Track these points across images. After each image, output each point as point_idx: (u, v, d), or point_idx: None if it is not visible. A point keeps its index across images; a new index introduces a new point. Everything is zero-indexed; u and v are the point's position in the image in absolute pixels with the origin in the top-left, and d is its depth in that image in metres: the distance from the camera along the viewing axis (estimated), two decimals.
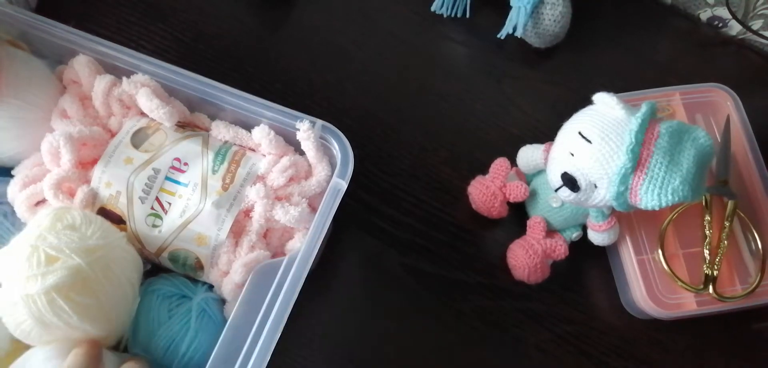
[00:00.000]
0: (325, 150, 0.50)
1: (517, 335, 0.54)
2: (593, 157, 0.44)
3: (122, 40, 0.61)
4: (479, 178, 0.55)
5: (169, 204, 0.47)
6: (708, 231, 0.53)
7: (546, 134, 0.51)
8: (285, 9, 0.66)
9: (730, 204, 0.53)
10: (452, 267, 0.56)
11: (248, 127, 0.51)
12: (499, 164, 0.55)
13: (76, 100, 0.50)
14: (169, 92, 0.51)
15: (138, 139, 0.49)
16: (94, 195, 0.47)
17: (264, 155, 0.50)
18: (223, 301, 0.48)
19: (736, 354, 0.54)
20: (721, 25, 0.66)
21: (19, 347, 0.43)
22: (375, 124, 0.61)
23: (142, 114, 0.50)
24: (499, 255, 0.55)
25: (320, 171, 0.49)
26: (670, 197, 0.42)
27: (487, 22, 0.64)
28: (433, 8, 0.65)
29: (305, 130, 0.48)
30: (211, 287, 0.48)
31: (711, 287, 0.51)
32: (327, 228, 0.46)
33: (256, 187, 0.47)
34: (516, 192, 0.53)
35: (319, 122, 0.49)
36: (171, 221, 0.46)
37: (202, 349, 0.45)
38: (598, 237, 0.52)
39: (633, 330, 0.54)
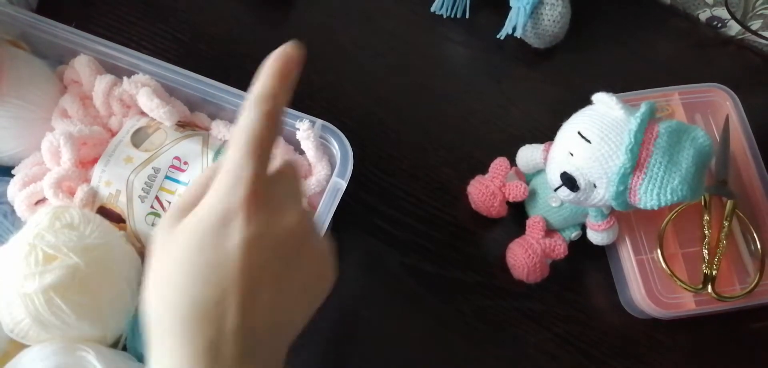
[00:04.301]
0: (324, 149, 0.50)
1: (516, 334, 0.54)
2: (592, 156, 0.44)
3: (123, 40, 0.61)
4: (479, 178, 0.55)
5: (169, 203, 0.47)
6: (707, 231, 0.53)
7: (545, 134, 0.51)
8: (285, 9, 0.66)
9: (729, 204, 0.53)
10: (452, 266, 0.56)
11: None
12: (499, 164, 0.55)
13: (76, 100, 0.51)
14: (169, 92, 0.51)
15: (138, 138, 0.49)
16: (93, 194, 0.47)
17: None
18: None
19: (735, 354, 0.54)
20: (720, 25, 0.66)
21: (16, 347, 0.43)
22: (375, 124, 0.61)
23: (143, 113, 0.50)
24: (498, 254, 0.55)
25: (320, 170, 0.49)
26: (669, 197, 0.42)
27: (487, 23, 0.64)
28: (432, 9, 0.65)
29: (305, 129, 0.48)
30: None
31: (710, 287, 0.51)
32: (326, 228, 0.46)
33: None
34: (515, 191, 0.53)
35: (319, 122, 0.49)
36: None
37: None
38: (597, 236, 0.52)
39: (632, 330, 0.54)
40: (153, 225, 0.46)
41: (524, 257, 0.52)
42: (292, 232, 0.29)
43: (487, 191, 0.53)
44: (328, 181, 0.48)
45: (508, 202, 0.54)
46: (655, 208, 0.43)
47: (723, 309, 0.52)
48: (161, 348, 0.27)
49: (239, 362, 0.26)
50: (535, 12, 0.59)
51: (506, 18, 0.60)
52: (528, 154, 0.54)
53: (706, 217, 0.53)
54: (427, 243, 0.56)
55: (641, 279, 0.51)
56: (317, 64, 0.63)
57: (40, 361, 0.40)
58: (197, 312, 0.26)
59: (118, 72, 0.51)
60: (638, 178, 0.43)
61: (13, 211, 0.48)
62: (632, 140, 0.42)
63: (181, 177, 0.48)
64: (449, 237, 0.57)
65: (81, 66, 0.51)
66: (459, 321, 0.54)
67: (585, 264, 0.56)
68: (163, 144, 0.48)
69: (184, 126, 0.51)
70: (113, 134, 0.50)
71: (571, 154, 0.45)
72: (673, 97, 0.58)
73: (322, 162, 0.49)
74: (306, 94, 0.61)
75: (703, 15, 0.66)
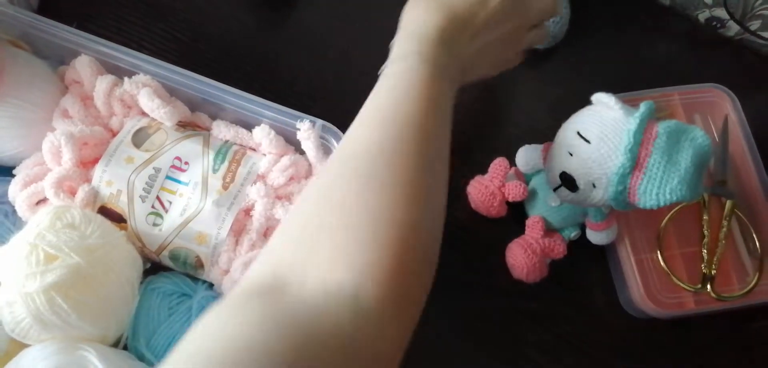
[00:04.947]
0: (325, 149, 0.50)
1: (515, 334, 0.54)
2: (592, 156, 0.44)
3: (123, 40, 0.61)
4: (478, 178, 0.55)
5: (170, 202, 0.47)
6: (706, 231, 0.53)
7: (545, 134, 0.52)
8: (285, 9, 0.66)
9: (728, 203, 0.54)
10: (451, 266, 0.55)
11: (249, 127, 0.51)
12: (498, 164, 0.55)
13: (77, 100, 0.51)
14: (170, 92, 0.51)
15: (139, 139, 0.49)
16: (94, 194, 0.47)
17: (264, 154, 0.50)
18: None
19: (734, 354, 0.54)
20: (719, 25, 0.66)
21: (17, 347, 0.43)
22: None
23: (144, 114, 0.51)
24: (498, 254, 0.55)
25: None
26: (668, 197, 0.42)
27: None
28: None
29: (306, 129, 0.48)
30: (211, 286, 0.48)
31: (709, 286, 0.51)
32: None
33: (256, 186, 0.47)
34: (515, 191, 0.53)
35: (320, 122, 0.49)
36: (171, 220, 0.46)
37: None
38: (596, 236, 0.52)
39: (631, 330, 0.54)
40: (154, 225, 0.46)
41: (524, 257, 0.52)
42: (533, 12, 0.44)
43: (486, 191, 0.53)
44: None
45: (507, 202, 0.54)
46: (654, 208, 0.43)
47: (722, 308, 0.52)
48: (415, 23, 0.41)
49: (463, 52, 0.41)
50: None
51: None
52: (527, 154, 0.54)
53: (705, 217, 0.53)
54: None
55: (640, 279, 0.51)
56: (317, 64, 0.63)
57: (41, 361, 0.40)
58: (460, 8, 0.40)
59: (119, 72, 0.51)
60: (637, 178, 0.43)
61: (14, 211, 0.48)
62: (631, 140, 0.42)
63: (182, 177, 0.48)
64: (448, 237, 0.56)
65: (82, 66, 0.51)
66: (458, 320, 0.54)
67: (584, 264, 0.56)
68: (163, 144, 0.49)
69: (185, 126, 0.52)
70: (114, 134, 0.50)
71: (571, 154, 0.45)
72: (673, 98, 0.58)
73: (323, 162, 0.49)
74: (306, 94, 0.61)
75: (702, 16, 0.66)
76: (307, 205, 0.34)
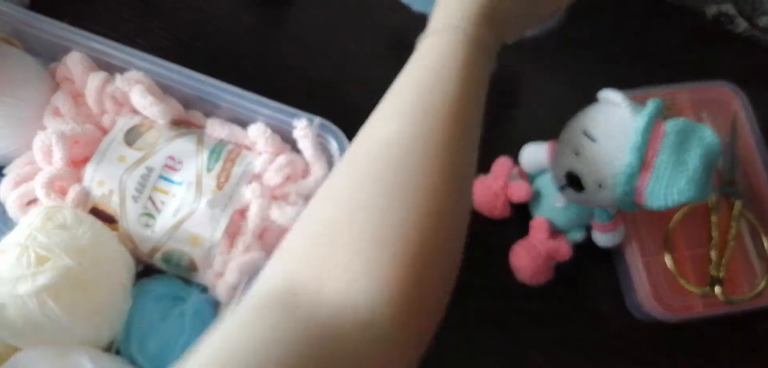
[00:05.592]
0: (322, 148, 0.49)
1: (519, 337, 0.53)
2: (598, 156, 0.43)
3: (118, 37, 0.60)
4: (481, 178, 0.54)
5: (163, 203, 0.46)
6: (714, 232, 0.52)
7: (550, 133, 0.51)
8: (284, 7, 0.65)
9: (737, 204, 0.53)
10: None
11: (244, 125, 0.50)
12: (502, 164, 0.54)
13: (68, 98, 0.50)
14: (163, 89, 0.50)
15: (131, 137, 0.48)
16: (86, 194, 0.46)
17: (260, 153, 0.49)
18: (217, 304, 0.47)
19: (743, 357, 0.53)
20: (727, 22, 0.65)
21: (9, 351, 0.42)
22: None
23: (136, 111, 0.50)
24: (501, 256, 0.54)
25: (318, 170, 0.48)
26: (675, 197, 0.42)
27: None
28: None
29: (302, 127, 0.47)
30: (205, 289, 0.47)
31: (718, 289, 0.50)
32: None
33: (251, 186, 0.47)
34: (519, 192, 0.52)
35: (317, 119, 0.48)
36: (164, 221, 0.45)
37: None
38: (602, 237, 0.51)
39: (638, 333, 0.53)
40: (146, 226, 0.45)
41: (528, 259, 0.51)
42: None
43: (489, 192, 0.53)
44: None
45: (511, 203, 0.53)
46: (662, 209, 0.43)
47: (731, 311, 0.51)
48: None
49: (505, 18, 0.37)
50: None
51: None
52: (532, 154, 0.53)
53: (714, 218, 0.52)
54: None
55: (648, 282, 0.50)
56: (316, 62, 0.62)
57: (33, 365, 0.40)
58: None
59: (112, 69, 0.50)
60: (645, 178, 0.42)
61: (4, 212, 0.48)
62: (639, 139, 0.42)
63: (175, 176, 0.47)
64: None
65: (73, 63, 0.50)
66: (461, 323, 0.53)
67: (590, 266, 0.55)
68: (156, 143, 0.48)
69: (178, 124, 0.51)
70: (106, 132, 0.50)
71: (577, 153, 0.44)
72: (680, 95, 0.57)
73: (321, 161, 0.49)
74: (305, 93, 0.60)
75: (710, 11, 0.65)
76: (323, 206, 0.33)
